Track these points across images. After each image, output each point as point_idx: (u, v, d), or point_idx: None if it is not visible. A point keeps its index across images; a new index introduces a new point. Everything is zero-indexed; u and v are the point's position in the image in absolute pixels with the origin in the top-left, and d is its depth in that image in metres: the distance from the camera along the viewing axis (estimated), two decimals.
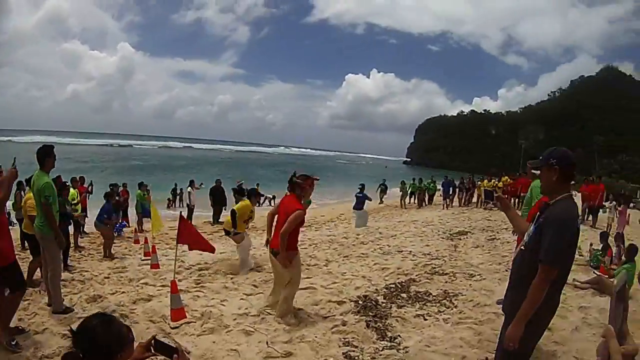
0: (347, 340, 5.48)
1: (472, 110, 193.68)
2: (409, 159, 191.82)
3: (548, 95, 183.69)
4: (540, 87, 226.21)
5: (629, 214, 15.84)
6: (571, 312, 6.70)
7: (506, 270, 9.24)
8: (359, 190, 19.07)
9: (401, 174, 45.13)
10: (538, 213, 3.44)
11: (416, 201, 29.36)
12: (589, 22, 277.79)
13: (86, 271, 9.53)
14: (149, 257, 10.66)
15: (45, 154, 6.09)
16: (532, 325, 3.26)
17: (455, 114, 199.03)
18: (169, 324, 6.04)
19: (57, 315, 6.19)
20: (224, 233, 11.01)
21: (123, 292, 7.65)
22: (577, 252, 10.87)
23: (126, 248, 12.97)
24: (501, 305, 5.77)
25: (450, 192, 27.51)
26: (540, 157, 3.57)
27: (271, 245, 6.30)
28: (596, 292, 7.89)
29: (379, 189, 31.66)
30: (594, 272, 9.33)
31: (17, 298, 5.26)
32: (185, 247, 12.41)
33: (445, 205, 26.72)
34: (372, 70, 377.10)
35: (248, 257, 9.82)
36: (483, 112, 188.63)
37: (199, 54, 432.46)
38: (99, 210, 12.47)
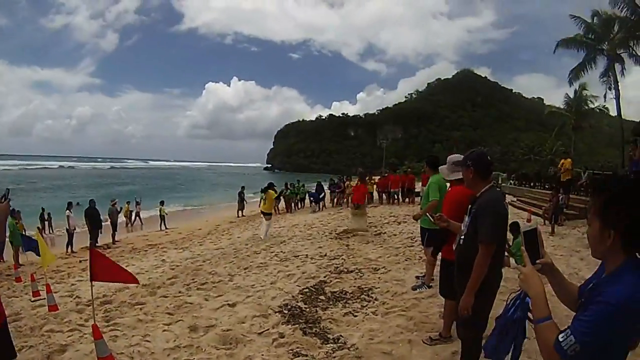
0: (294, 351, 5.37)
1: (330, 114, 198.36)
2: (270, 165, 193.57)
3: (405, 97, 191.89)
4: (400, 91, 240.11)
5: None
6: None
7: (405, 260, 9.81)
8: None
9: (262, 180, 45.25)
10: (470, 205, 4.03)
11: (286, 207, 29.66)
12: (449, 32, 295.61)
13: None
14: (40, 297, 9.74)
15: None
16: (482, 294, 3.82)
17: (313, 119, 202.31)
18: None
19: None
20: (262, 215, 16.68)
21: (31, 347, 6.45)
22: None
23: (9, 289, 11.62)
24: (416, 291, 7.22)
25: (322, 195, 28.55)
26: (462, 160, 4.24)
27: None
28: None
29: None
30: None
31: None
32: (76, 279, 11.96)
33: (318, 207, 27.62)
34: (233, 79, 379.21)
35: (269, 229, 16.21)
36: (341, 115, 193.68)
37: (56, 62, 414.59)
38: None
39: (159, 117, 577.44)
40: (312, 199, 29.16)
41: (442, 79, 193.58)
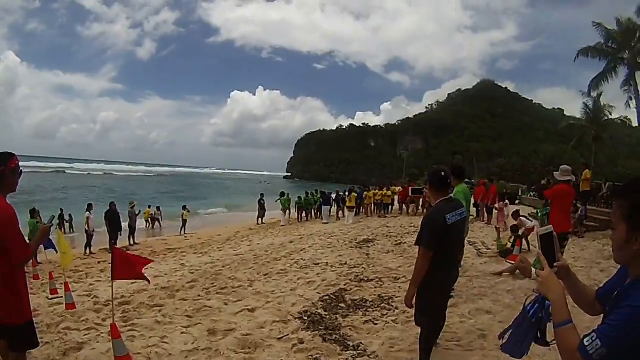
0: (314, 357, 5.33)
1: (351, 124, 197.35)
2: (289, 174, 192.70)
3: (426, 107, 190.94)
4: (425, 103, 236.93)
5: (506, 204, 17.07)
6: (501, 295, 7.44)
7: None
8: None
9: (283, 188, 45.37)
10: None
11: (304, 215, 29.80)
12: (473, 45, 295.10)
13: None
14: (57, 296, 9.76)
15: None
16: (424, 290, 4.42)
17: (334, 128, 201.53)
18: None
19: None
20: None
21: (47, 343, 6.34)
22: (484, 247, 11.68)
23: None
24: None
25: (341, 205, 28.56)
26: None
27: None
28: (516, 276, 8.78)
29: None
30: (506, 262, 9.92)
31: (23, 357, 4.39)
32: (94, 279, 11.97)
33: (337, 217, 27.78)
34: (259, 88, 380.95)
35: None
36: (362, 125, 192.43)
37: (78, 68, 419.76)
38: None
39: (182, 125, 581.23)
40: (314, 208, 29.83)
41: (463, 89, 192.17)
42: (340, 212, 28.64)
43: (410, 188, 16.49)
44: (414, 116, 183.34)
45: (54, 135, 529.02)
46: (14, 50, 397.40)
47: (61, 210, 26.20)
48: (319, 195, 30.46)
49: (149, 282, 6.48)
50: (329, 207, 27.81)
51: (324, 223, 24.19)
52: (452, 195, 4.77)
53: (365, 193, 28.50)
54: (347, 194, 28.19)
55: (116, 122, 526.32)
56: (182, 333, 6.54)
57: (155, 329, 6.91)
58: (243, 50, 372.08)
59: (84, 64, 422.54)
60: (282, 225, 25.75)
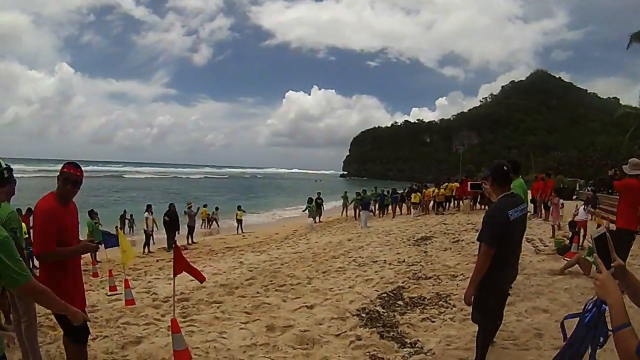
0: (371, 354, 5.29)
1: (405, 121, 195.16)
2: (346, 172, 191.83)
3: (480, 101, 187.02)
4: (480, 97, 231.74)
5: (562, 205, 16.58)
6: (558, 293, 7.30)
7: None
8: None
9: (338, 187, 45.39)
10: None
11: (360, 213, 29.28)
12: (525, 36, 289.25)
13: (50, 314, 8.63)
14: (116, 292, 10.05)
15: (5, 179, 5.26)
16: (483, 288, 4.27)
17: (389, 125, 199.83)
18: None
19: None
20: None
21: (105, 337, 6.59)
22: (541, 244, 11.43)
23: (86, 283, 12.15)
24: None
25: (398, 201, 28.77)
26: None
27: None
28: (574, 275, 8.50)
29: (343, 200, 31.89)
30: (564, 259, 9.66)
31: (84, 349, 4.61)
32: (153, 277, 12.19)
33: (394, 214, 27.67)
34: (313, 88, 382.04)
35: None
36: (417, 121, 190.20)
37: (130, 75, 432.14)
38: None
39: (237, 126, 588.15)
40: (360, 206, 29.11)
41: (516, 81, 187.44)
42: (398, 209, 28.60)
43: (469, 183, 16.48)
44: (469, 110, 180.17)
45: (110, 140, 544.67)
46: (67, 62, 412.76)
47: (124, 211, 26.97)
48: (374, 192, 30.55)
49: (203, 279, 6.50)
50: (368, 211, 25.51)
51: (363, 228, 22.37)
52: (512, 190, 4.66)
53: (424, 190, 28.27)
54: (406, 192, 28.69)
55: (172, 125, 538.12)
56: (241, 329, 6.62)
57: (214, 324, 7.02)
58: (295, 51, 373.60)
59: (136, 72, 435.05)
60: (308, 232, 23.63)
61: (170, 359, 5.50)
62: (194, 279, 6.24)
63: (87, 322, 3.82)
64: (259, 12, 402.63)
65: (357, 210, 28.66)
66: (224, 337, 6.26)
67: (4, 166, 3.19)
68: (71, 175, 4.30)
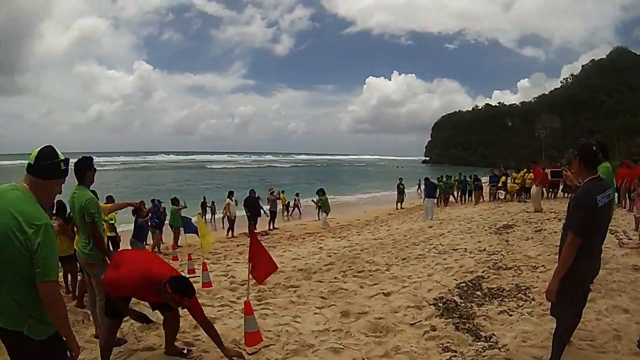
0: (444, 345, 5.22)
1: (486, 104, 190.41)
2: (428, 158, 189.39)
3: (561, 82, 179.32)
4: (563, 78, 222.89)
5: None
6: None
7: None
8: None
9: (420, 173, 45.01)
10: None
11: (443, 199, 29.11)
12: (605, 13, 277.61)
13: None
14: (194, 275, 10.41)
15: (86, 167, 5.44)
16: (567, 281, 4.01)
17: (470, 109, 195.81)
18: (245, 350, 5.44)
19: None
20: None
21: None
22: (625, 236, 10.97)
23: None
24: None
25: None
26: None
27: None
28: None
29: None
30: None
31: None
32: (232, 260, 12.44)
33: (476, 202, 26.90)
34: (393, 73, 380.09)
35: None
36: (498, 104, 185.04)
37: (208, 68, 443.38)
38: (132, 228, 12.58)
39: (318, 114, 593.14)
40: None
41: (596, 59, 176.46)
42: (481, 197, 27.88)
43: (550, 171, 15.90)
44: (550, 92, 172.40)
45: (193, 131, 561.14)
46: (144, 60, 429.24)
47: (204, 198, 27.83)
48: (457, 178, 30.14)
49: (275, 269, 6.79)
50: (434, 199, 23.68)
51: (427, 219, 20.88)
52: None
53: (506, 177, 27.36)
54: (490, 179, 28.05)
55: (253, 115, 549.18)
56: (315, 314, 6.73)
57: (288, 308, 7.18)
58: (373, 36, 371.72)
59: (213, 65, 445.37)
60: (323, 229, 21.45)
61: (241, 340, 5.68)
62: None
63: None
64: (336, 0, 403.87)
65: (440, 197, 28.37)
66: (297, 322, 6.38)
67: (62, 158, 3.19)
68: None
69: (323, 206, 23.11)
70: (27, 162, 3.16)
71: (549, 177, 18.79)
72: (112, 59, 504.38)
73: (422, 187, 28.72)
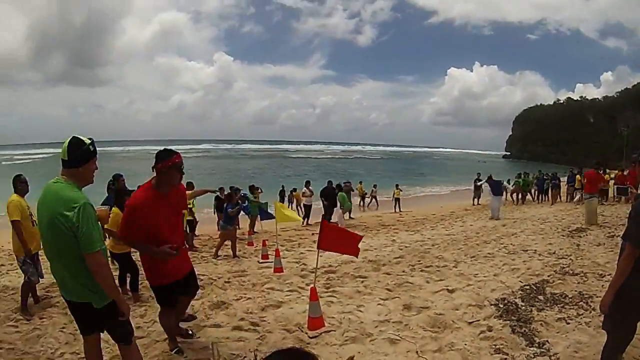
0: (497, 347, 5.27)
1: (568, 98, 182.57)
2: (508, 153, 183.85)
3: None
4: None
5: None
6: None
7: None
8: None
9: (501, 169, 44.50)
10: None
11: (521, 197, 28.77)
12: None
13: (204, 275, 9.44)
14: (268, 261, 10.90)
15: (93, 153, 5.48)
16: (622, 295, 3.77)
17: (551, 103, 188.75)
18: (306, 333, 5.82)
19: (181, 324, 5.88)
20: None
21: (249, 298, 7.54)
22: None
23: (240, 250, 12.96)
24: None
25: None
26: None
27: None
28: None
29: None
30: None
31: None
32: (305, 249, 12.80)
33: (553, 201, 26.63)
34: (475, 64, 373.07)
35: None
36: (579, 99, 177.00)
37: (287, 59, 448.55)
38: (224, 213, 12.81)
39: (399, 105, 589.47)
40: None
41: None
42: (558, 196, 27.35)
43: (616, 187, 15.49)
44: (633, 87, 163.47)
45: (274, 120, 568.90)
46: (224, 51, 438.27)
47: (282, 186, 28.62)
48: (537, 176, 29.76)
49: (356, 255, 7.14)
50: (500, 197, 21.71)
51: (490, 218, 20.12)
52: None
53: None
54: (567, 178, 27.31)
55: (334, 105, 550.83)
56: (379, 304, 6.99)
57: (354, 297, 7.49)
58: (454, 27, 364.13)
59: (292, 56, 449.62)
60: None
61: (304, 324, 6.06)
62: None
63: (130, 325, 4.06)
64: None
65: (517, 194, 28.33)
66: (360, 311, 6.68)
67: (88, 142, 3.69)
68: (175, 162, 4.70)
69: (344, 203, 21.01)
70: (104, 148, 3.61)
71: (615, 193, 18.19)
72: (192, 51, 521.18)
73: (477, 184, 27.76)
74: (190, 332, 5.80)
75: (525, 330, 5.71)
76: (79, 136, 3.70)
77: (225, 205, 13.08)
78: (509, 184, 27.66)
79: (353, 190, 24.51)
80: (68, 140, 3.66)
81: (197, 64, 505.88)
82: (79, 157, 3.64)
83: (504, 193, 25.04)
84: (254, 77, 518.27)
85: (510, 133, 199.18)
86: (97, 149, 3.84)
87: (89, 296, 3.68)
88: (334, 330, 5.87)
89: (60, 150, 3.65)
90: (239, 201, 13.74)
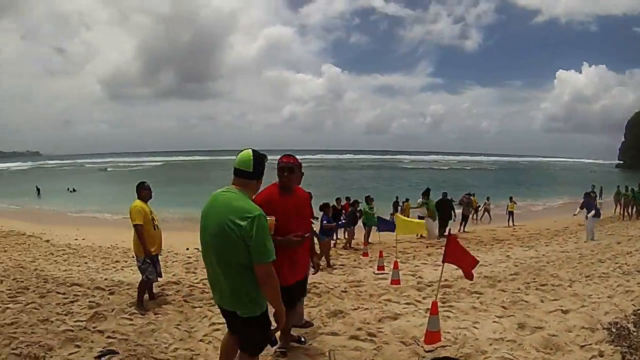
0: None
1: None
2: (622, 162, 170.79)
3: None
4: None
5: None
6: None
7: None
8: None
9: (614, 180, 42.69)
10: None
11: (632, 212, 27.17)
12: None
13: (320, 283, 9.72)
14: (383, 272, 11.20)
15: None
16: None
17: None
18: (422, 347, 5.86)
19: (294, 330, 6.03)
20: None
21: (366, 309, 7.68)
22: None
23: (355, 260, 13.44)
24: None
25: None
26: None
27: None
28: None
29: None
30: None
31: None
32: (420, 261, 13.08)
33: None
34: (583, 65, 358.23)
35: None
36: None
37: (394, 69, 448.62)
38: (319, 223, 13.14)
39: (508, 112, 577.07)
40: None
41: None
42: None
43: None
44: None
45: (385, 130, 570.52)
46: (332, 63, 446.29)
47: (396, 197, 28.21)
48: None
49: (470, 279, 7.23)
50: (596, 217, 19.32)
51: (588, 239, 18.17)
52: None
53: None
54: None
55: (444, 114, 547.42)
56: (494, 322, 6.95)
57: (469, 313, 7.52)
58: (559, 25, 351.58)
59: (398, 65, 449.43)
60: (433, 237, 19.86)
61: (421, 337, 6.13)
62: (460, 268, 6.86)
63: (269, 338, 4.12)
64: None
65: (628, 208, 27.07)
66: (475, 327, 6.69)
67: (267, 159, 3.97)
68: (280, 162, 5.07)
69: (368, 220, 18.45)
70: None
71: None
72: (299, 64, 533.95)
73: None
74: (302, 339, 5.99)
75: (635, 358, 5.58)
76: (256, 149, 3.90)
77: (322, 216, 13.50)
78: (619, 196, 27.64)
79: (470, 203, 24.56)
80: (250, 153, 3.87)
81: (306, 76, 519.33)
82: (262, 170, 3.90)
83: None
84: (362, 87, 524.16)
85: (623, 139, 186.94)
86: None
87: (240, 305, 3.82)
88: (450, 346, 5.91)
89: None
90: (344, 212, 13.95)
